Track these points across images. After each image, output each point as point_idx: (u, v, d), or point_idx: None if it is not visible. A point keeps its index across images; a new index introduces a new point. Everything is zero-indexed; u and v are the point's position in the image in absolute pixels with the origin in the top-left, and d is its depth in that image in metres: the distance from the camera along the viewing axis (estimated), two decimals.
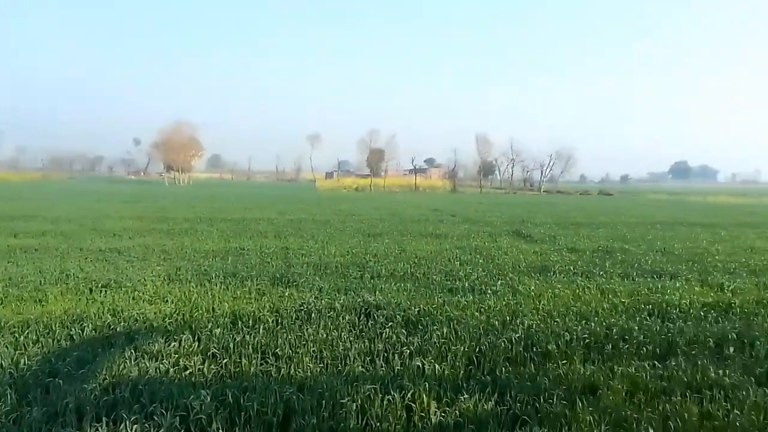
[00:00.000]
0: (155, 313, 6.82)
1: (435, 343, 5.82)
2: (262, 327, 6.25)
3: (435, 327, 6.37)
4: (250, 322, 6.52)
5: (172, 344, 5.59)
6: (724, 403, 4.45)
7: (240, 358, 5.24)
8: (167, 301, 7.54)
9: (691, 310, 7.50)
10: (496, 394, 4.55)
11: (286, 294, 8.03)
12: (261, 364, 5.18)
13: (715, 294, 8.73)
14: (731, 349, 5.81)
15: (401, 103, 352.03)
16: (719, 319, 7.13)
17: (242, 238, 15.53)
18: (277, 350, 5.49)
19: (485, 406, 4.32)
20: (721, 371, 5.12)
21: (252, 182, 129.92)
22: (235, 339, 5.75)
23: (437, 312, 7.11)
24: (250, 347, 5.54)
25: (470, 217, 26.04)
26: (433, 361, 5.28)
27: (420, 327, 6.47)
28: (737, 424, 4.11)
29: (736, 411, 4.29)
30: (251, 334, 5.97)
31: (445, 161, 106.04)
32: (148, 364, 5.00)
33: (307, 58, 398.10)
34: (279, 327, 6.35)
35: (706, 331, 6.40)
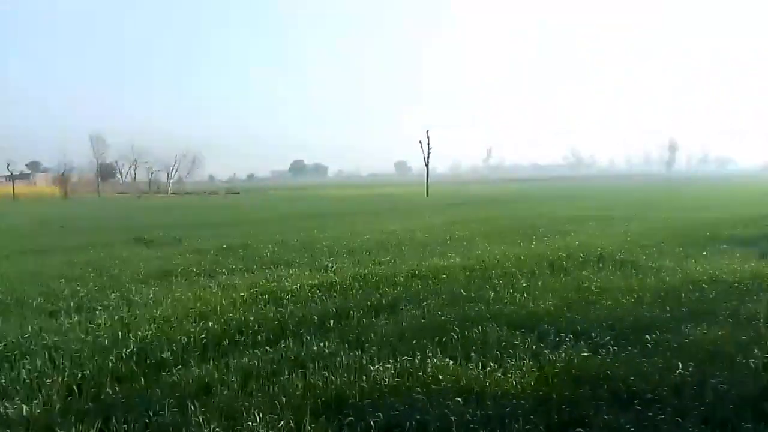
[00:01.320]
0: None
1: (25, 379, 4.88)
2: None
3: (26, 360, 5.36)
4: None
5: None
6: (323, 372, 4.99)
7: None
8: None
9: (301, 293, 8.29)
10: (99, 421, 4.06)
11: None
12: None
13: (321, 275, 9.89)
14: (332, 323, 6.63)
15: None
16: (323, 297, 8.08)
17: None
18: None
19: None
20: (323, 343, 5.76)
21: None
22: None
23: (30, 342, 6.00)
24: None
25: (86, 226, 23.31)
26: (20, 402, 4.39)
27: (6, 365, 5.34)
28: (333, 387, 4.65)
29: (332, 376, 4.86)
30: None
31: (56, 164, 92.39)
32: None
33: None
34: None
35: (312, 310, 7.16)
